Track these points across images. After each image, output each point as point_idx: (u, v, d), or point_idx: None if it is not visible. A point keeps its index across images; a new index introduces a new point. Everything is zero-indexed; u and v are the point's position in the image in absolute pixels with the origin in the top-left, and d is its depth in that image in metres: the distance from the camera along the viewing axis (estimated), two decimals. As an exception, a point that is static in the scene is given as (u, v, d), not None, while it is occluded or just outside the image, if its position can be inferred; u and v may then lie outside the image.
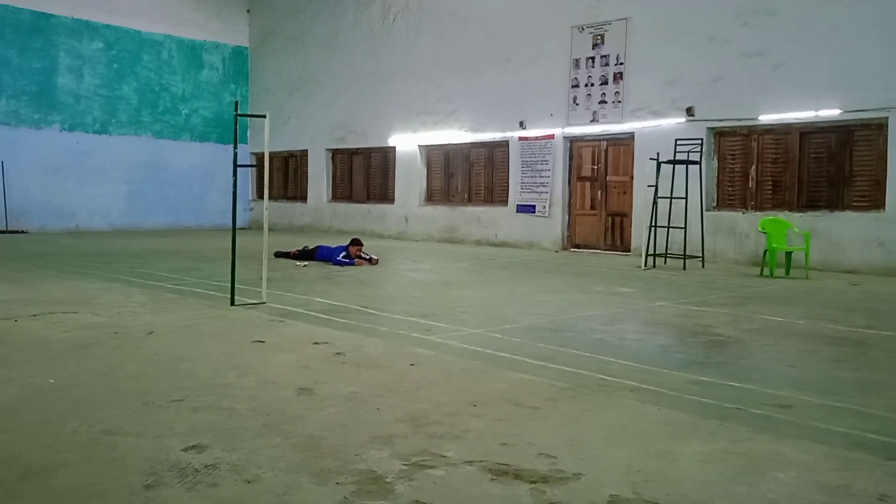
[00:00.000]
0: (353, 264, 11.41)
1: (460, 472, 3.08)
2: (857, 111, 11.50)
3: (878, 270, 11.29)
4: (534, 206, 16.13)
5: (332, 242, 12.94)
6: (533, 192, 16.14)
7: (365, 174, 20.49)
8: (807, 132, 12.30)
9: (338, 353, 5.33)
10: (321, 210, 21.30)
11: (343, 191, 21.10)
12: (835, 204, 12.00)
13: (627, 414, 4.04)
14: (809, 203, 12.29)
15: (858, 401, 4.32)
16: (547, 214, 15.80)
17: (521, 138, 16.28)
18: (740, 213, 13.02)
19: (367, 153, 20.26)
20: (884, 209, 11.34)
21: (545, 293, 9.11)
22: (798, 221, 11.91)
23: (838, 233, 11.77)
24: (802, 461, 3.31)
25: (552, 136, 15.67)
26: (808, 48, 11.93)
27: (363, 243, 12.17)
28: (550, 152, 15.78)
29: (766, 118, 12.58)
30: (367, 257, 11.78)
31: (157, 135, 22.06)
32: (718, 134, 13.41)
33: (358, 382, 4.53)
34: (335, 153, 21.19)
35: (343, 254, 11.56)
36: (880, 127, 11.38)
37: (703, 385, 4.66)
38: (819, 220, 11.97)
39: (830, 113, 11.81)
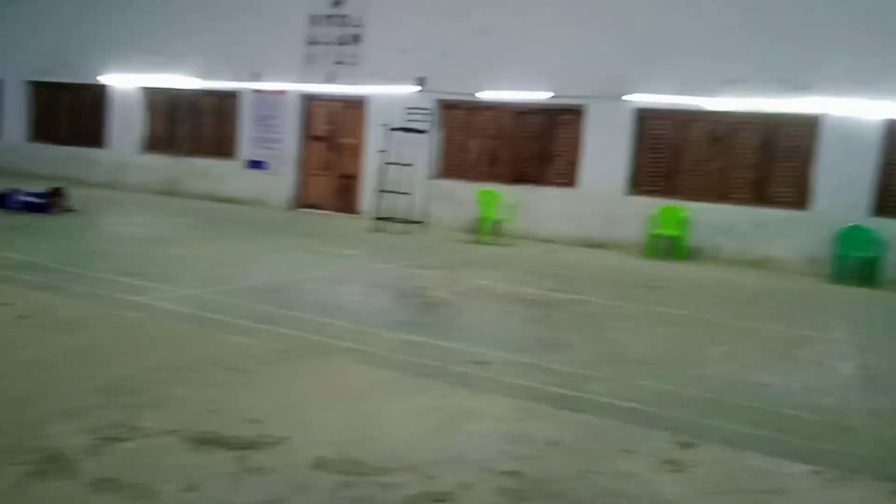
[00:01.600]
0: (46, 211, 10.12)
1: (157, 442, 2.91)
2: (563, 97, 12.86)
3: (566, 240, 12.84)
4: (264, 163, 15.68)
5: (29, 188, 11.34)
6: (265, 147, 15.66)
7: (73, 113, 18.18)
8: (521, 112, 13.48)
9: (22, 317, 4.72)
10: (19, 150, 18.54)
11: (46, 130, 18.55)
12: (539, 179, 13.37)
13: (340, 375, 4.15)
14: (519, 177, 13.54)
15: (542, 357, 4.90)
16: (278, 172, 15.46)
17: (255, 91, 15.64)
18: (461, 182, 13.91)
19: (75, 90, 17.97)
20: (576, 186, 12.91)
21: (270, 253, 8.94)
22: (508, 193, 13.07)
23: (539, 205, 13.15)
24: (493, 413, 3.67)
25: (286, 92, 15.29)
26: (528, 35, 13.01)
27: (65, 194, 10.86)
28: (284, 108, 15.40)
29: (487, 95, 13.53)
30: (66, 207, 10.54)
31: None
32: (446, 106, 14.12)
33: (46, 349, 4.05)
34: (37, 87, 18.51)
35: (32, 198, 10.21)
36: (579, 113, 12.87)
37: (414, 345, 4.94)
38: (526, 192, 13.25)
39: (541, 96, 13.06)
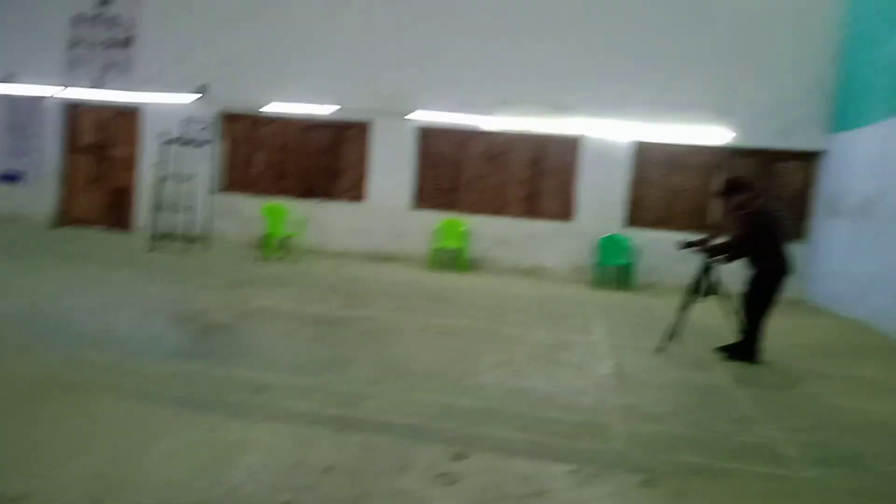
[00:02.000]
0: None
1: None
2: (349, 111, 12.94)
3: (356, 254, 12.94)
4: (19, 175, 14.04)
5: None
6: (20, 158, 14.03)
7: None
8: (307, 126, 13.35)
9: None
10: None
11: None
12: (327, 194, 13.33)
13: (98, 414, 3.81)
14: (308, 191, 13.39)
15: (325, 377, 4.88)
16: (37, 185, 13.92)
17: (4, 95, 13.95)
18: (246, 197, 13.47)
19: None
20: (364, 201, 13.05)
21: (27, 276, 8.01)
22: (297, 208, 12.88)
23: (328, 220, 13.11)
24: (268, 443, 3.58)
25: (46, 98, 13.82)
26: (314, 48, 12.92)
27: None
28: (44, 115, 13.91)
29: (273, 107, 13.23)
30: None
31: None
32: (228, 117, 13.60)
33: None
34: None
35: None
36: (365, 128, 13.02)
37: (187, 375, 4.68)
38: (314, 207, 13.14)
39: (327, 110, 13.04)
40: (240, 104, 13.32)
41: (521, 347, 6.47)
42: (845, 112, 10.83)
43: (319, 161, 13.42)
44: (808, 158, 11.77)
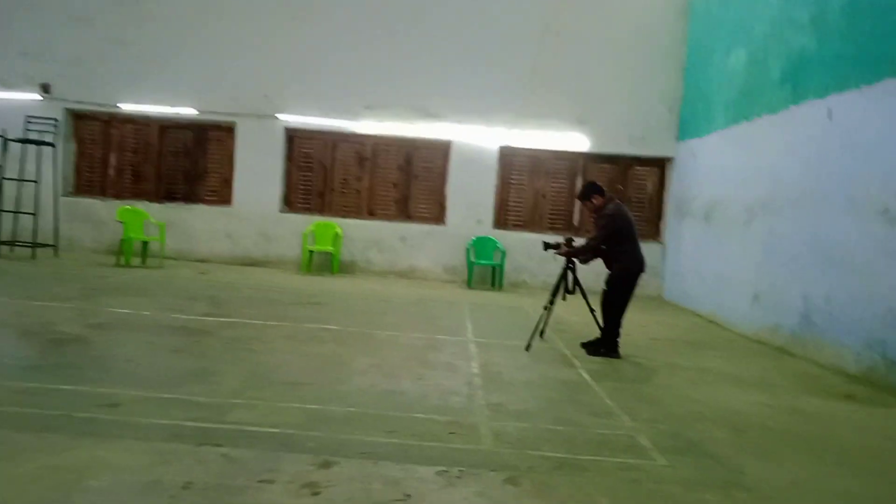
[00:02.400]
0: None
1: None
2: (211, 113, 12.45)
3: (224, 259, 12.49)
4: None
5: None
6: None
7: None
8: (166, 126, 12.72)
9: None
10: None
11: None
12: (190, 197, 12.76)
13: (-77, 442, 3.43)
14: (167, 195, 12.76)
15: (186, 389, 4.64)
16: None
17: None
18: (99, 200, 12.65)
19: None
20: (231, 204, 12.60)
21: None
22: (156, 212, 12.24)
23: (192, 224, 12.56)
24: (120, 463, 3.35)
25: None
26: (171, 48, 12.31)
27: None
28: None
29: (127, 107, 12.50)
30: None
31: None
32: (77, 116, 12.73)
33: None
34: None
35: None
36: (230, 130, 12.59)
37: (31, 394, 4.31)
38: (176, 211, 12.54)
39: (188, 111, 12.48)
40: (91, 103, 12.51)
41: (393, 350, 6.46)
42: (691, 121, 11.66)
43: (181, 163, 12.86)
44: (660, 164, 12.57)
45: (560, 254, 7.07)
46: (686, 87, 12.01)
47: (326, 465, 3.47)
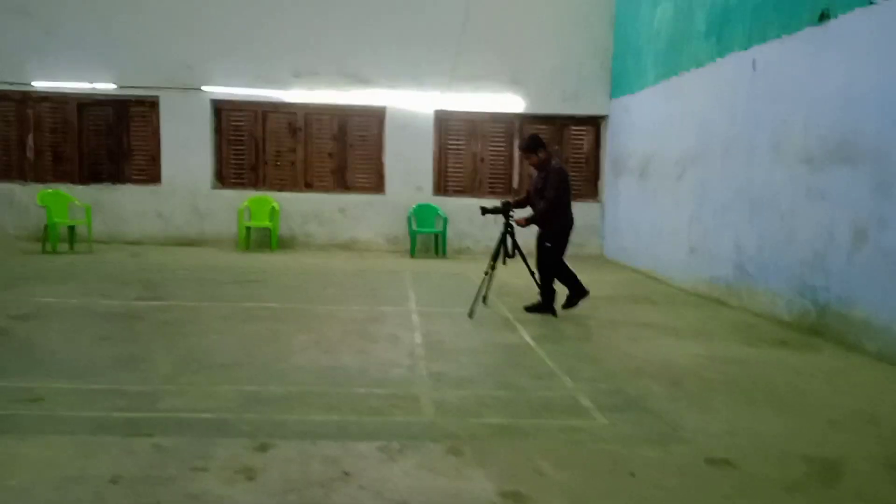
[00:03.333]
0: None
1: None
2: (131, 87, 11.90)
3: (157, 240, 12.08)
4: None
5: None
6: None
7: None
8: (85, 103, 12.11)
9: None
10: None
11: None
12: (116, 177, 12.24)
13: None
14: (92, 176, 12.21)
15: (114, 378, 4.45)
16: None
17: None
18: (18, 184, 12.03)
19: None
20: (160, 182, 12.15)
21: None
22: (81, 194, 11.72)
23: (121, 205, 12.08)
24: (42, 458, 3.19)
25: None
26: (78, 15, 11.67)
27: None
28: None
29: (40, 84, 11.85)
30: None
31: None
32: (-13, 96, 12.03)
33: None
34: None
35: None
36: (153, 105, 12.07)
37: (-57, 394, 4.06)
38: (102, 192, 12.03)
39: (107, 86, 11.91)
40: (0, 82, 11.81)
41: (334, 324, 6.35)
42: (623, 78, 11.70)
43: (104, 142, 12.32)
44: (594, 123, 12.62)
45: (521, 224, 6.96)
46: (617, 43, 12.02)
47: (263, 448, 3.37)
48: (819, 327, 6.30)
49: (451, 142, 12.52)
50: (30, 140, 12.19)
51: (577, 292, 7.10)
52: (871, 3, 5.71)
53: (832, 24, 6.22)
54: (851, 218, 5.90)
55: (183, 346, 5.38)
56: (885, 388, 4.79)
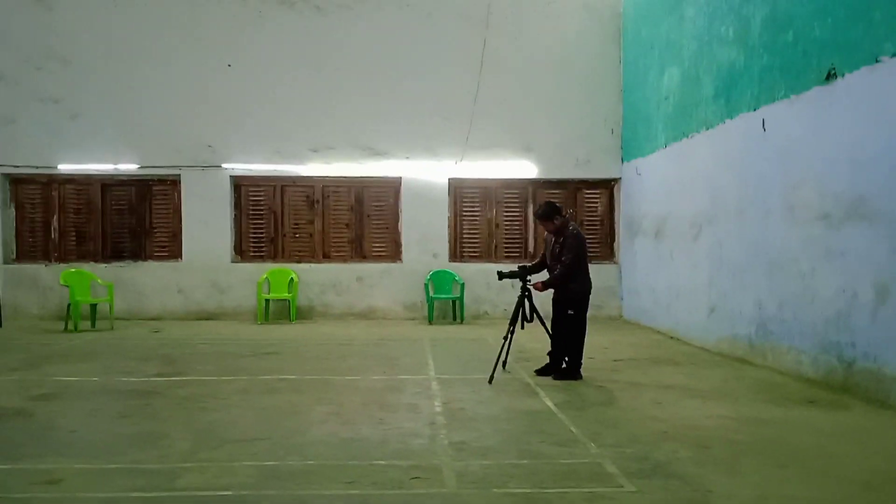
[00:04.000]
0: None
1: None
2: (153, 167, 12.22)
3: (177, 315, 12.16)
4: None
5: None
6: None
7: None
8: (108, 184, 12.43)
9: None
10: None
11: None
12: (138, 254, 12.44)
13: None
14: (114, 254, 12.43)
15: (132, 457, 4.42)
16: None
17: None
18: (43, 265, 12.25)
19: None
20: (181, 259, 12.32)
21: None
22: (102, 272, 11.90)
23: (142, 282, 12.23)
24: (60, 544, 3.15)
25: None
26: (102, 101, 12.09)
27: None
28: None
29: (65, 168, 12.21)
30: None
31: None
32: (15, 181, 12.38)
33: None
34: None
35: None
36: (175, 183, 12.36)
37: (-37, 477, 4.05)
38: (123, 270, 12.21)
39: (129, 167, 12.24)
40: (27, 166, 12.18)
41: (353, 395, 6.31)
42: (633, 142, 11.86)
43: (126, 220, 12.57)
44: (607, 186, 12.73)
45: (539, 289, 6.98)
46: (626, 109, 12.23)
47: (282, 525, 3.32)
48: (847, 385, 6.16)
49: (465, 208, 12.66)
50: (54, 221, 12.48)
51: (576, 369, 6.97)
52: (876, 60, 5.79)
53: (839, 82, 6.30)
54: (873, 275, 5.83)
55: (202, 422, 5.36)
56: (920, 447, 4.64)
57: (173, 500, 3.69)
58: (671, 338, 9.91)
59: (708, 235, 8.90)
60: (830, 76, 6.41)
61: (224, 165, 12.24)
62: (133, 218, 12.55)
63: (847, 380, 6.16)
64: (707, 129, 8.90)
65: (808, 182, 6.73)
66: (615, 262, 12.53)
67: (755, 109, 7.70)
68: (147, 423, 5.36)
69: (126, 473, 4.11)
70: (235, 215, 12.50)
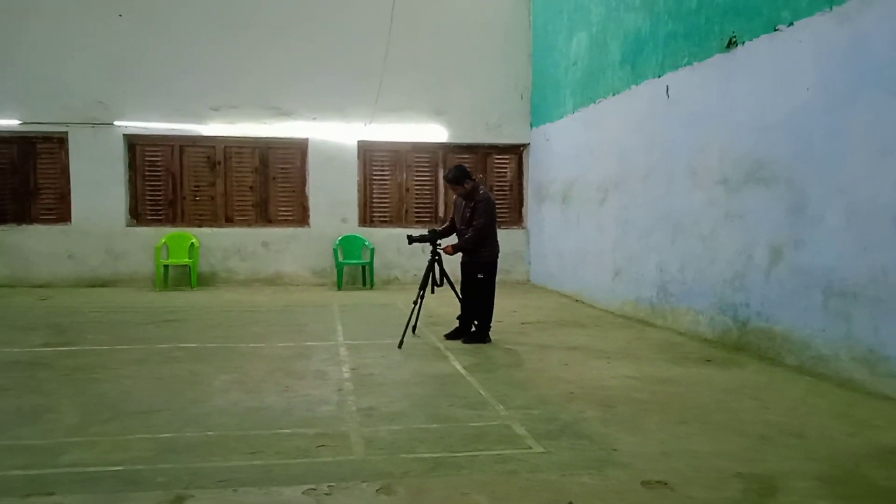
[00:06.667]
0: None
1: None
2: (37, 123, 11.33)
3: (69, 283, 11.44)
4: None
5: None
6: None
7: None
8: (-13, 141, 11.47)
9: None
10: None
11: None
12: (22, 217, 11.58)
13: None
14: (-4, 216, 11.54)
15: (13, 433, 4.10)
16: None
17: None
18: (-87, 228, 11.24)
19: None
20: (70, 222, 11.55)
21: None
22: (-18, 237, 11.03)
23: (27, 247, 11.41)
24: (-76, 531, 2.86)
25: None
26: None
27: None
28: None
29: (-63, 122, 11.18)
30: None
31: None
32: None
33: None
34: None
35: None
36: (61, 141, 11.52)
37: None
38: (7, 234, 11.35)
39: (10, 122, 11.31)
40: None
41: (258, 362, 6.09)
42: (542, 107, 11.91)
43: (7, 181, 11.66)
44: (517, 151, 12.78)
45: (449, 252, 6.92)
46: (535, 74, 12.25)
47: (178, 500, 3.13)
48: (741, 343, 6.44)
49: (375, 172, 12.43)
50: (-76, 181, 11.42)
51: (486, 332, 7.01)
52: (775, 29, 5.96)
53: (740, 50, 6.46)
54: (768, 237, 6.08)
55: (93, 394, 5.03)
56: (808, 402, 4.89)
57: (58, 476, 3.42)
58: (577, 301, 10.12)
59: (614, 200, 9.07)
60: (731, 44, 6.57)
61: (117, 123, 11.49)
62: (16, 178, 11.64)
63: (741, 339, 6.45)
64: (614, 94, 9.02)
65: (711, 147, 6.92)
66: (523, 227, 12.65)
67: (660, 76, 7.83)
68: (31, 396, 4.98)
69: (5, 451, 3.79)
70: (130, 176, 11.80)
